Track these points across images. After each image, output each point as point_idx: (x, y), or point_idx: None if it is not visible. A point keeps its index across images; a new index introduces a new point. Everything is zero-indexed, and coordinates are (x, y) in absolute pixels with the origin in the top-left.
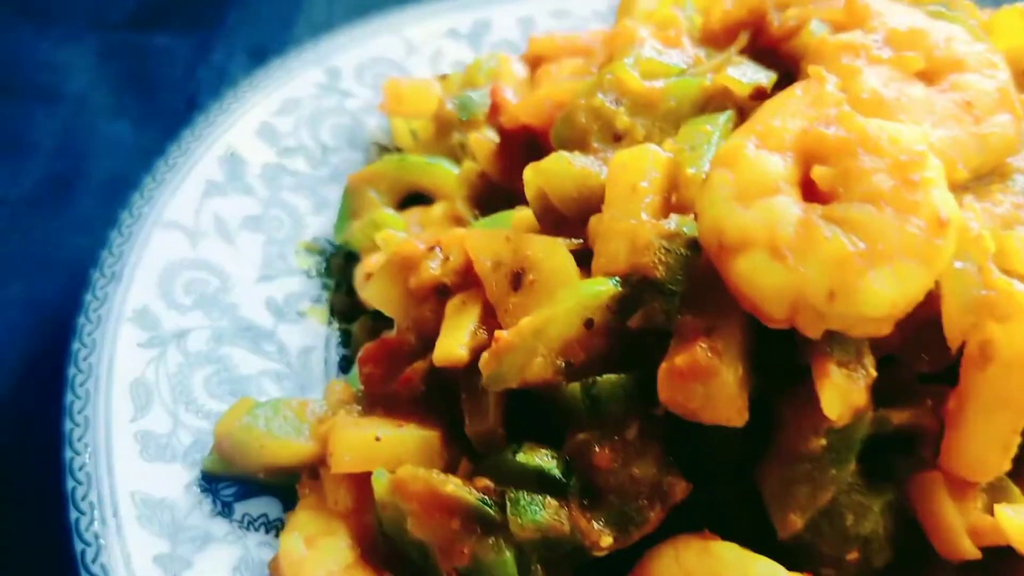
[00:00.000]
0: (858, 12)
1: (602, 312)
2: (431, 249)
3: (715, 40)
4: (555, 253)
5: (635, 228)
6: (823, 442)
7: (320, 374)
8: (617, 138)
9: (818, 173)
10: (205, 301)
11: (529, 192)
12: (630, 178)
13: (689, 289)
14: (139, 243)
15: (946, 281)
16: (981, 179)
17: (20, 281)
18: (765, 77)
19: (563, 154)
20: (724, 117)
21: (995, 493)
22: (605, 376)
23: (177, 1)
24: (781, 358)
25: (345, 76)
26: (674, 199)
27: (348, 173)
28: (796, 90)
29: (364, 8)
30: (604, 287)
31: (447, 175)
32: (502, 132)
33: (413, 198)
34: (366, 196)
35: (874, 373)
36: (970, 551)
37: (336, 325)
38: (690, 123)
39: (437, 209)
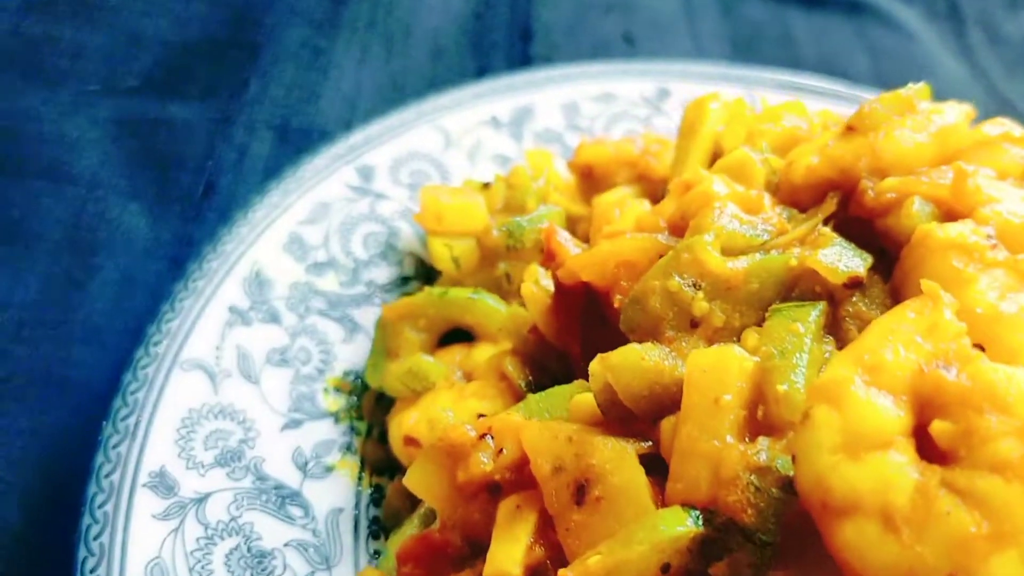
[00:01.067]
0: (968, 195)
1: (681, 555)
2: (482, 437)
3: (797, 197)
4: (624, 466)
5: (719, 452)
6: None
7: (349, 543)
8: (694, 324)
9: (937, 428)
10: (227, 457)
11: (595, 384)
12: (712, 388)
13: (783, 540)
14: (156, 388)
15: None
16: None
17: (21, 405)
18: (860, 263)
19: (635, 347)
20: (815, 313)
21: None
22: None
23: (195, 61)
24: None
25: (379, 175)
26: (761, 413)
27: (382, 290)
28: (908, 311)
29: (393, 79)
30: (684, 528)
31: (493, 313)
32: (559, 287)
33: (455, 333)
34: (403, 334)
35: None
36: None
37: (367, 479)
38: (776, 315)
39: (482, 353)
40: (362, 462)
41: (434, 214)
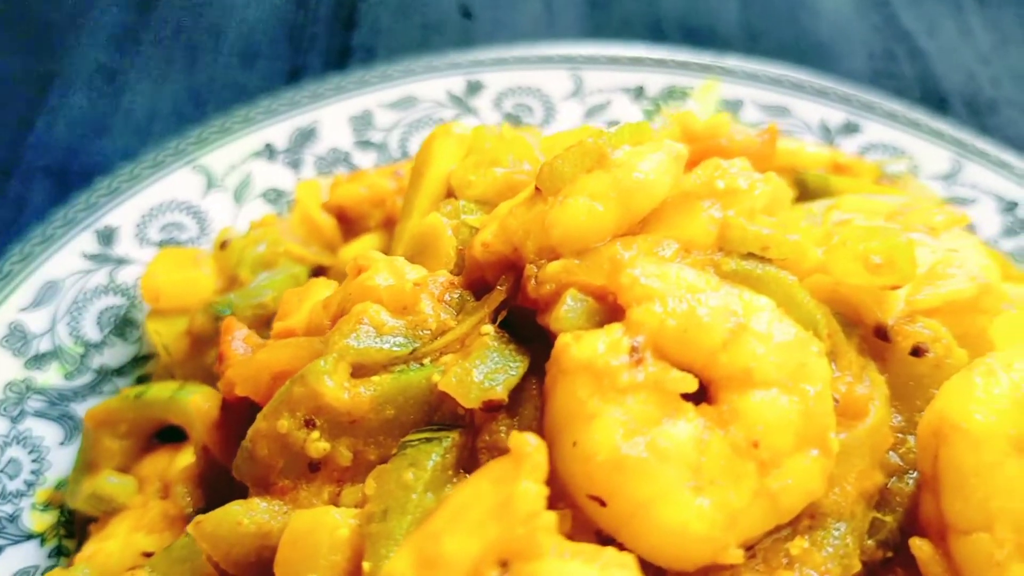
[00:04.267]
0: (623, 291)
1: None
2: None
3: (484, 276)
4: None
5: None
6: None
7: None
8: (314, 468)
9: None
10: None
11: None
12: (300, 563)
13: None
14: None
15: None
16: (775, 534)
17: None
18: (503, 379)
19: (234, 508)
20: (435, 456)
21: None
22: None
23: None
24: None
25: (122, 237)
26: None
27: (116, 375)
28: (487, 479)
29: (196, 95)
30: None
31: (196, 413)
32: (222, 400)
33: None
34: (102, 443)
35: None
36: None
37: None
38: (399, 455)
39: (186, 459)
40: None
41: (151, 292)
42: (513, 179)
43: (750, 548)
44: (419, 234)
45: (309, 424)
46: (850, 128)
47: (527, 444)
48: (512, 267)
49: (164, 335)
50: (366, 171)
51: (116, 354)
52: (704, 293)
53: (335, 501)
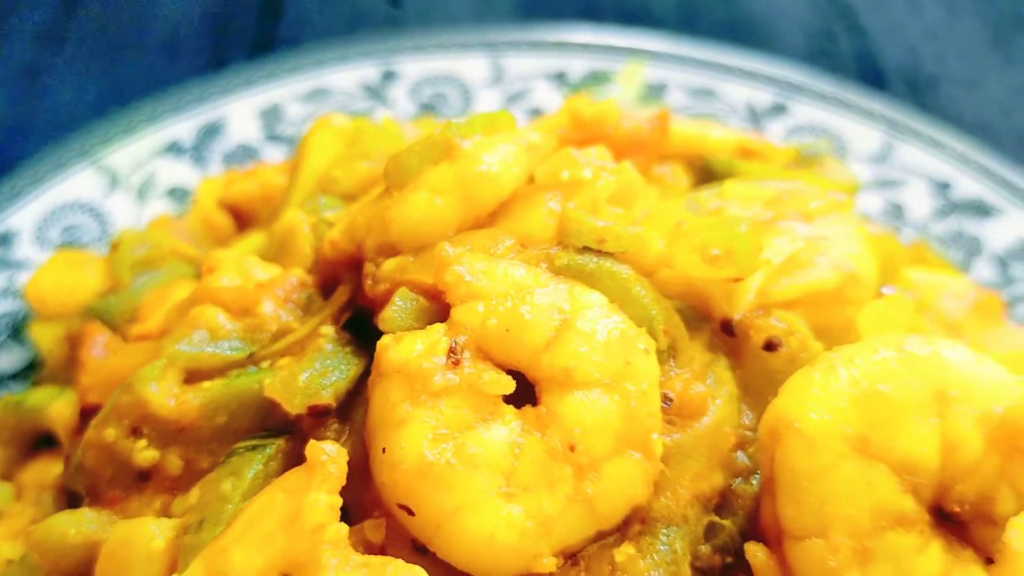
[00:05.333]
0: (449, 289)
1: None
2: None
3: (330, 277)
4: None
5: None
6: None
7: None
8: (144, 478)
9: None
10: None
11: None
12: (109, 571)
13: None
14: None
15: None
16: (600, 541)
17: None
18: (332, 383)
19: (62, 517)
20: (253, 469)
21: None
22: None
23: None
24: None
25: (21, 241)
26: None
27: (11, 379)
28: (280, 488)
29: (120, 92)
30: None
31: (69, 422)
32: (80, 409)
33: None
34: None
35: None
36: None
37: None
38: (224, 463)
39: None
40: None
41: (36, 296)
42: (377, 173)
43: (573, 556)
44: (279, 232)
45: (136, 433)
46: (777, 110)
47: (321, 453)
48: (358, 266)
49: (47, 340)
50: (263, 166)
51: (12, 359)
52: (531, 291)
53: (166, 511)
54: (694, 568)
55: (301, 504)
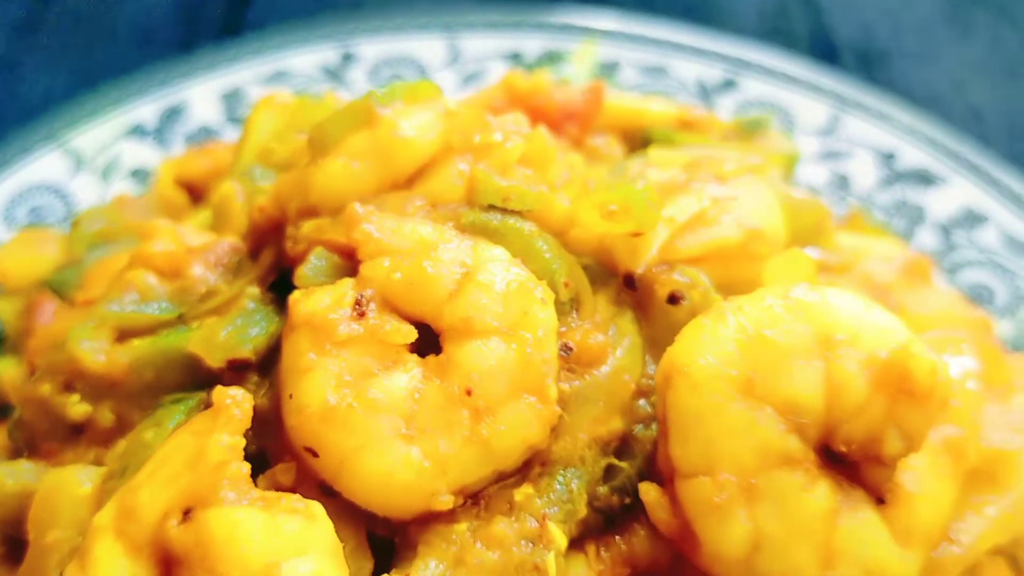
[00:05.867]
0: (359, 244)
1: None
2: None
3: (260, 242)
4: None
5: None
6: None
7: None
8: (77, 430)
9: None
10: None
11: None
12: (42, 522)
13: None
14: None
15: None
16: (501, 483)
17: None
18: (251, 337)
19: (0, 467)
20: (174, 420)
21: None
22: None
23: None
24: None
25: None
26: None
27: None
28: (188, 431)
29: (91, 80)
30: None
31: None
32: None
33: None
34: None
35: None
36: None
37: None
38: (143, 422)
39: None
40: None
41: None
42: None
43: (474, 496)
44: (216, 203)
45: (69, 388)
46: (727, 86)
47: (226, 396)
48: (284, 230)
49: (7, 313)
50: (217, 144)
51: None
52: (436, 246)
53: (99, 463)
54: (593, 508)
55: (205, 444)
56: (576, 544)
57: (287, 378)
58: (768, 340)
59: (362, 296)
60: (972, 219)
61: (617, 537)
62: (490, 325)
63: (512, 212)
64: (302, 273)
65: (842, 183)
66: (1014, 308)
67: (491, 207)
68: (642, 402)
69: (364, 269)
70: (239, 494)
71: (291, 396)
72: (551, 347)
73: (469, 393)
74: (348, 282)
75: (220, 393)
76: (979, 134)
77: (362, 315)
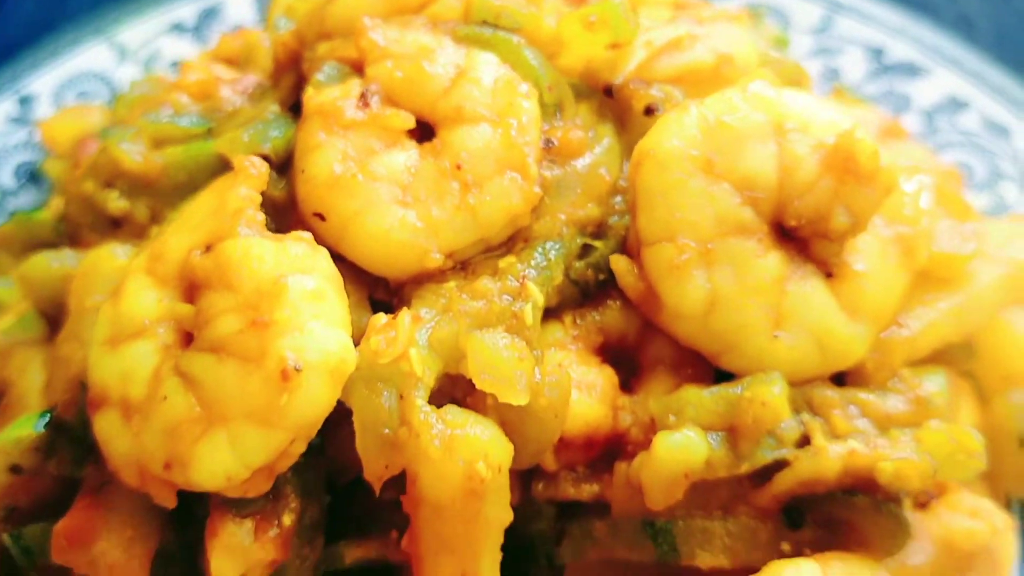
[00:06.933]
0: (366, 51)
1: (31, 456)
2: None
3: (282, 76)
4: (27, 373)
5: (73, 355)
6: None
7: None
8: (117, 224)
9: (178, 311)
10: None
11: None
12: (81, 291)
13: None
14: None
15: (357, 414)
16: (488, 253)
17: None
18: (270, 138)
19: (46, 254)
20: None
21: None
22: (31, 527)
23: None
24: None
25: (41, 103)
26: None
27: None
28: (211, 191)
29: None
30: (25, 431)
31: None
32: None
33: None
34: None
35: (289, 522)
36: None
37: None
38: (178, 211)
39: None
40: None
41: (48, 135)
42: None
43: (463, 264)
44: (244, 49)
45: (109, 185)
46: None
47: (246, 159)
48: (302, 61)
49: (56, 171)
50: (248, 28)
51: (30, 198)
52: (433, 51)
53: None
54: (569, 280)
55: (225, 197)
56: (554, 314)
57: (299, 158)
58: (727, 125)
59: (367, 90)
60: (955, 105)
61: (592, 311)
62: (479, 113)
63: (503, 27)
64: (315, 80)
65: (832, 75)
66: (993, 183)
67: (484, 22)
68: (618, 199)
69: (369, 70)
70: (254, 231)
71: (303, 171)
72: (534, 133)
73: (459, 168)
74: (355, 80)
75: (241, 158)
76: (968, 39)
77: (367, 105)
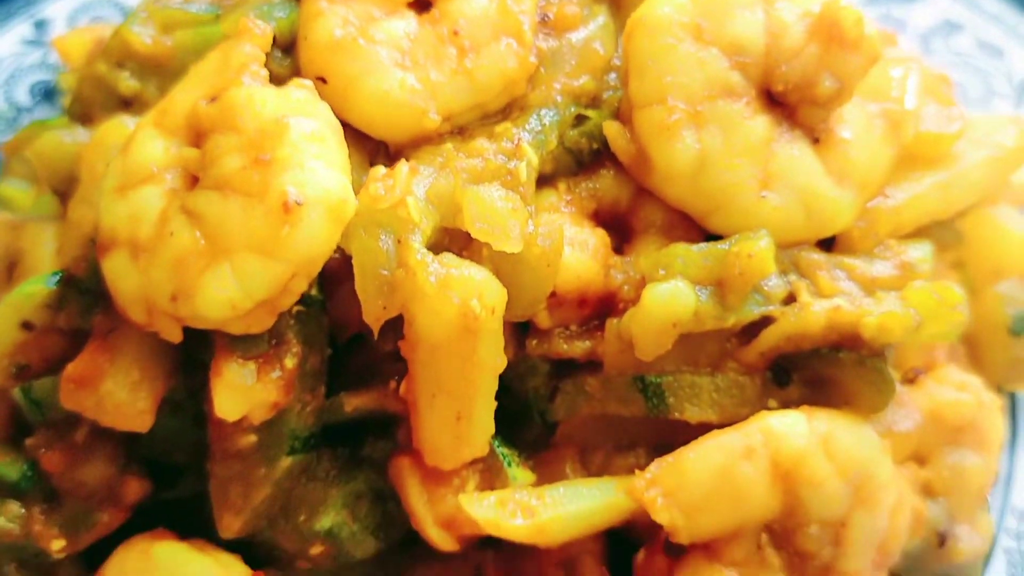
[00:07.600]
0: None
1: (43, 312)
2: None
3: None
4: (40, 243)
5: (84, 218)
6: (253, 439)
7: None
8: (127, 104)
9: (185, 156)
10: None
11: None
12: (92, 159)
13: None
14: None
15: (356, 258)
16: (485, 120)
17: None
18: (275, 17)
19: (54, 131)
20: None
21: (490, 477)
22: (41, 379)
23: None
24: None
25: (55, 27)
26: None
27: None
28: (218, 49)
29: None
30: (37, 288)
31: None
32: None
33: None
34: (12, 168)
35: (291, 366)
36: (441, 541)
37: None
38: None
39: None
40: None
41: (62, 49)
42: None
43: (461, 130)
44: None
45: (120, 66)
46: None
47: (251, 21)
48: None
49: (71, 83)
50: None
51: (44, 114)
52: None
53: None
54: (564, 148)
55: (230, 54)
56: (549, 182)
57: (303, 26)
58: None
59: None
60: (949, 28)
61: (585, 180)
62: None
63: None
64: None
65: None
66: (986, 101)
67: None
68: (612, 76)
69: None
70: (257, 81)
71: (305, 38)
72: (529, 2)
73: (456, 34)
74: None
75: (244, 20)
76: None
77: None
